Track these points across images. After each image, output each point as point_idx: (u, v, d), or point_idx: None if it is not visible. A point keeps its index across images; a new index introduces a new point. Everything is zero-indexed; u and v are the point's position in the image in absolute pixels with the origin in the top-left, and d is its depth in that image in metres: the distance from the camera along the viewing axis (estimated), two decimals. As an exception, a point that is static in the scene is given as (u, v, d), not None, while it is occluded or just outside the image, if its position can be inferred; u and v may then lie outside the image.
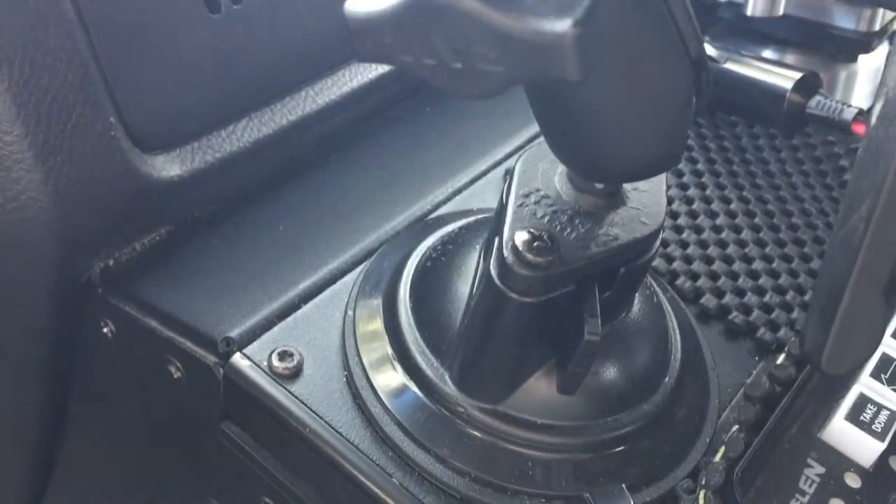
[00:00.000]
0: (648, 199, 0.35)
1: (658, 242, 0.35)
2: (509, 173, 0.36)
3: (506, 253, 0.32)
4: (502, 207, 0.35)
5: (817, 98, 0.49)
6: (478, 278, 0.36)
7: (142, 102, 0.40)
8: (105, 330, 0.42)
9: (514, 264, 0.32)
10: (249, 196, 0.46)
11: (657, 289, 0.42)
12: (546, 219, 0.34)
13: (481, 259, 0.38)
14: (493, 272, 0.32)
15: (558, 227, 0.33)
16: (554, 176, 0.35)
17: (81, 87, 0.37)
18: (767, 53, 0.63)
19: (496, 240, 0.33)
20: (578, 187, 0.34)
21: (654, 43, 0.28)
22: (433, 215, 0.46)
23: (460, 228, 0.42)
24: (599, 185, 0.34)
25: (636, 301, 0.38)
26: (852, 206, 0.30)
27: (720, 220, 0.49)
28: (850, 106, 0.48)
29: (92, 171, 0.38)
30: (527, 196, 0.34)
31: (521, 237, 0.32)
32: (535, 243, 0.32)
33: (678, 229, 0.49)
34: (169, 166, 0.42)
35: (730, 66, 0.53)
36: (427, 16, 0.24)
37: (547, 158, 0.35)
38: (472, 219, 0.43)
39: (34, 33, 0.35)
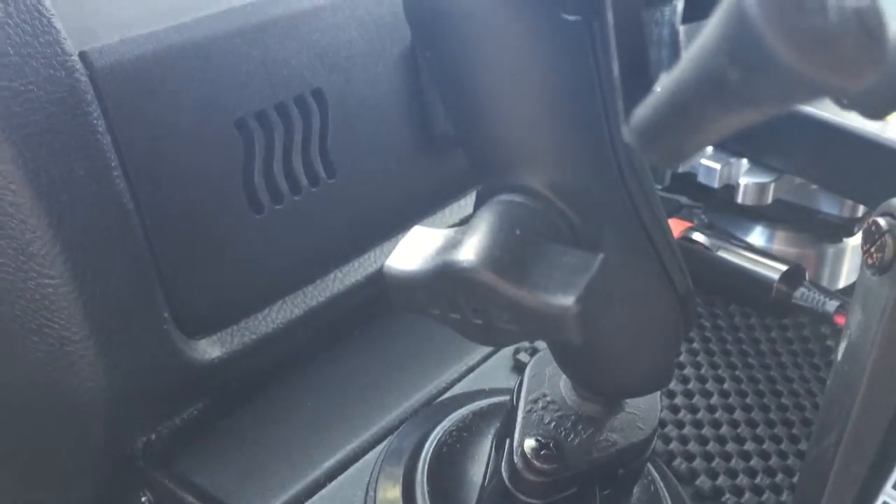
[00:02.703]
0: (644, 403, 0.39)
1: (653, 444, 0.39)
2: (520, 378, 0.40)
3: (516, 459, 0.36)
4: (513, 408, 0.39)
5: (802, 290, 0.54)
6: (489, 473, 0.40)
7: (190, 295, 0.45)
8: (143, 499, 0.46)
9: (523, 470, 0.36)
10: (280, 371, 0.51)
11: (655, 474, 0.45)
12: (552, 424, 0.38)
13: (493, 450, 0.41)
14: (504, 475, 0.36)
15: (563, 433, 0.37)
16: (559, 381, 0.39)
17: (142, 289, 0.42)
18: (758, 231, 0.68)
19: (507, 442, 0.37)
20: (581, 395, 0.38)
21: (645, 287, 0.33)
22: (448, 394, 0.50)
23: (473, 415, 0.46)
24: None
25: (634, 492, 0.42)
26: (823, 431, 0.34)
27: (714, 400, 0.53)
28: (832, 299, 0.53)
29: (144, 359, 0.43)
30: (535, 402, 0.38)
31: (530, 444, 0.36)
32: (542, 451, 0.36)
33: (675, 409, 0.52)
34: (211, 349, 0.46)
35: (722, 254, 0.57)
36: (452, 283, 0.28)
37: (553, 364, 0.40)
38: (483, 403, 0.47)
39: (104, 247, 0.40)
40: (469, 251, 0.28)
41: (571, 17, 0.26)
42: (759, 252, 0.58)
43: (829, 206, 0.64)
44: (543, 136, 0.29)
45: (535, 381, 0.39)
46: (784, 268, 0.55)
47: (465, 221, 0.59)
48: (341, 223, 0.52)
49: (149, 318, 0.42)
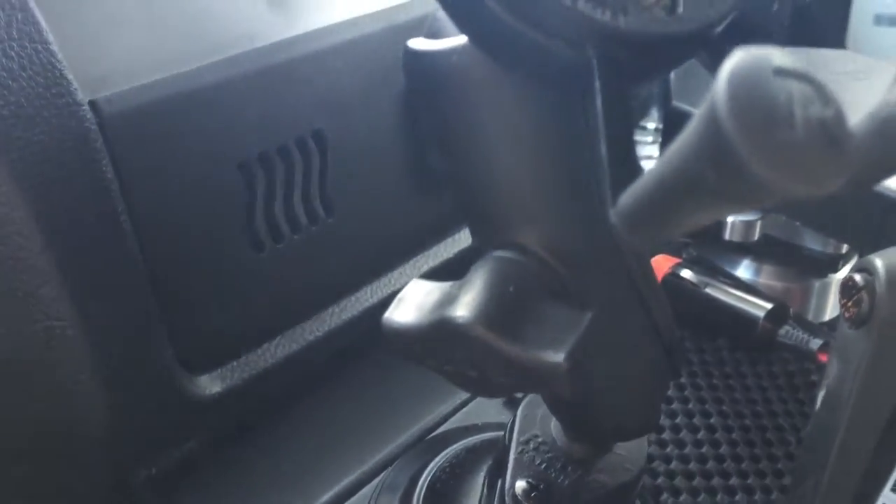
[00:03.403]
0: (632, 444, 0.41)
1: (640, 484, 0.40)
2: (512, 418, 0.41)
3: (507, 500, 0.37)
4: (506, 448, 0.40)
5: (786, 328, 0.56)
6: (482, 512, 0.41)
7: (192, 333, 0.46)
8: (144, 532, 0.47)
9: (515, 511, 0.37)
10: (278, 406, 0.52)
11: (642, 511, 0.46)
12: (543, 466, 0.39)
13: (485, 488, 0.43)
14: (497, 515, 0.38)
15: (553, 474, 0.39)
16: (550, 423, 0.41)
17: (146, 329, 0.43)
18: (746, 265, 0.69)
19: (499, 482, 0.39)
20: (571, 437, 0.40)
21: (633, 339, 0.34)
22: (442, 427, 0.52)
23: (466, 451, 0.47)
24: (588, 438, 0.39)
25: (623, 529, 0.43)
26: (802, 475, 0.35)
27: (701, 435, 0.55)
28: (815, 337, 0.54)
29: (147, 395, 0.44)
30: (526, 443, 0.40)
31: (521, 486, 0.37)
32: (533, 493, 0.37)
33: (662, 444, 0.54)
34: (211, 385, 0.48)
35: (709, 291, 0.59)
36: (448, 337, 0.30)
37: (545, 406, 0.41)
38: (476, 439, 0.48)
39: (110, 289, 0.41)
40: (464, 307, 0.29)
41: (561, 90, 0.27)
42: (746, 288, 0.60)
43: (813, 242, 0.66)
44: (536, 199, 0.30)
45: (527, 423, 0.41)
46: (769, 306, 0.57)
47: (459, 256, 0.61)
48: (339, 260, 0.54)
49: (152, 356, 0.44)
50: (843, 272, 0.68)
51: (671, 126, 0.67)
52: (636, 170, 0.21)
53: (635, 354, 0.35)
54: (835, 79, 0.69)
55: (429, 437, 0.51)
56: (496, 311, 0.29)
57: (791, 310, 0.58)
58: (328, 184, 0.51)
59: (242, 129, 0.46)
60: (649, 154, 0.73)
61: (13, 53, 0.37)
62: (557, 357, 0.28)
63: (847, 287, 0.34)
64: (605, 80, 0.24)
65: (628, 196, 0.21)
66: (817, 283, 0.69)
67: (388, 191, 0.56)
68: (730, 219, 0.63)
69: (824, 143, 0.17)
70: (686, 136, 0.18)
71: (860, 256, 0.66)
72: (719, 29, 0.26)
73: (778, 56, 0.17)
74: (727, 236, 0.63)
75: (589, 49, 0.23)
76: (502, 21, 0.24)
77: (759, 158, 0.16)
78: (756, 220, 0.63)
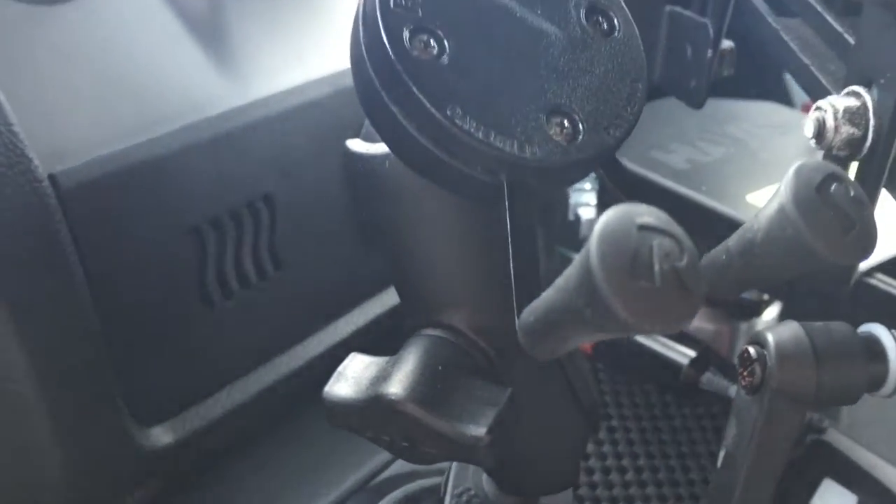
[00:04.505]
0: (557, 495, 0.44)
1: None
2: (447, 472, 0.44)
3: (440, 552, 0.40)
4: (440, 501, 0.43)
5: (708, 375, 0.60)
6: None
7: (145, 387, 0.48)
8: (98, 579, 0.49)
9: (447, 562, 0.40)
10: (229, 452, 0.54)
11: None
12: (474, 518, 0.42)
13: (422, 536, 0.46)
14: (431, 564, 0.41)
15: (484, 527, 0.42)
16: (482, 476, 0.44)
17: (100, 386, 0.45)
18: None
19: (434, 534, 0.42)
20: (500, 489, 0.43)
21: (553, 407, 0.38)
22: (384, 474, 0.55)
23: (406, 499, 0.50)
24: (516, 490, 0.42)
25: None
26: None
27: (629, 476, 0.58)
28: (734, 384, 0.58)
29: (102, 450, 0.46)
30: (460, 496, 0.43)
31: (453, 537, 0.41)
32: (464, 544, 0.40)
33: (592, 485, 0.57)
34: (163, 436, 0.50)
35: (638, 338, 0.63)
36: (382, 412, 0.33)
37: (477, 459, 0.44)
38: (416, 486, 0.51)
39: (67, 352, 0.43)
40: (397, 384, 0.32)
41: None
42: (675, 335, 0.64)
43: (739, 289, 0.70)
44: (461, 288, 0.34)
45: (461, 476, 0.44)
46: (693, 354, 0.61)
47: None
48: (287, 311, 0.56)
49: (106, 412, 0.46)
50: (768, 314, 0.72)
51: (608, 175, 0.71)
52: (538, 284, 0.25)
53: (555, 419, 0.38)
54: (759, 132, 0.75)
55: (370, 483, 0.54)
56: (425, 388, 0.32)
57: (714, 355, 0.62)
58: (277, 241, 0.54)
59: (195, 195, 0.48)
60: (587, 202, 0.77)
61: (-23, 136, 0.39)
62: (479, 431, 0.31)
63: (743, 358, 0.38)
64: (514, 198, 0.27)
65: (528, 314, 0.24)
66: (744, 326, 0.74)
67: (333, 245, 0.59)
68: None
69: (678, 289, 0.20)
70: (569, 275, 0.22)
71: (781, 303, 0.70)
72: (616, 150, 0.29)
73: (644, 213, 0.21)
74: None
75: (501, 174, 0.27)
76: (426, 149, 0.27)
77: (621, 303, 0.20)
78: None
